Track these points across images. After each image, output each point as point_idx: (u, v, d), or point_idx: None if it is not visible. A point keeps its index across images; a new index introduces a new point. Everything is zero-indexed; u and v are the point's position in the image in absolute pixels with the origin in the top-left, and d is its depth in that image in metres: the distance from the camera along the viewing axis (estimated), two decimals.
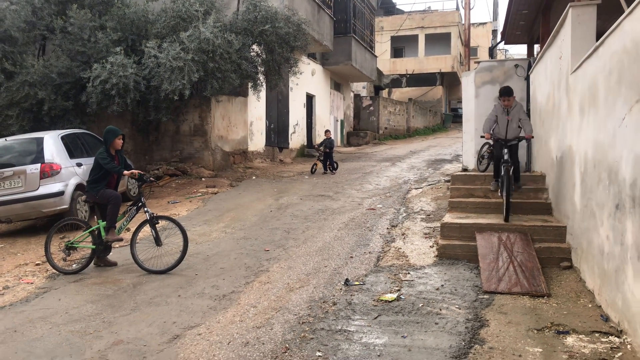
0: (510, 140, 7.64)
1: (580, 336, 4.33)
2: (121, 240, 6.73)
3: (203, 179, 13.52)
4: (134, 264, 6.60)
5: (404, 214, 9.43)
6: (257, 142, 17.49)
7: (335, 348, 4.27)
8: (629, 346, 4.00)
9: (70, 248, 6.66)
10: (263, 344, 4.37)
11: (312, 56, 22.18)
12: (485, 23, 43.07)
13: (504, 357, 4.00)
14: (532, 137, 7.70)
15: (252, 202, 10.80)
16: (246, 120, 16.54)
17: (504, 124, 7.66)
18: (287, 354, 4.18)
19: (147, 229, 6.77)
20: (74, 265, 6.82)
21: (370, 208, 9.99)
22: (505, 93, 7.74)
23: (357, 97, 30.87)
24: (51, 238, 6.68)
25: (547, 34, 9.52)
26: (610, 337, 4.25)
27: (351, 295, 5.47)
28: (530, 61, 11.50)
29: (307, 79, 21.06)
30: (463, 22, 33.22)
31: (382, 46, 38.45)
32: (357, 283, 5.84)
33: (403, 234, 8.02)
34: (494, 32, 19.58)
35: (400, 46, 41.90)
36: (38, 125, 12.83)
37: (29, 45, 13.93)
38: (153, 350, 4.30)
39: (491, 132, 7.74)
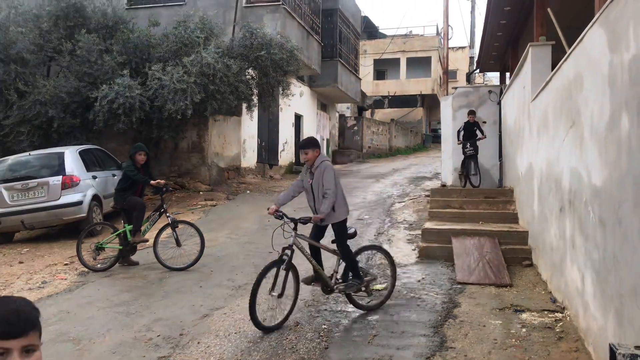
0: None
1: (532, 313, 5.42)
2: (146, 241, 7.68)
3: (201, 192, 14.46)
4: (154, 263, 7.55)
5: (389, 224, 10.50)
6: (250, 158, 18.50)
7: (337, 322, 5.29)
8: (568, 317, 5.10)
9: (99, 248, 7.58)
10: (278, 320, 5.36)
11: (300, 78, 23.35)
12: (464, 47, 44.80)
13: (472, 326, 5.07)
14: (321, 219, 5.24)
15: (250, 213, 11.78)
16: (240, 138, 17.56)
17: (309, 193, 5.43)
18: (298, 326, 5.19)
19: (167, 232, 7.73)
20: (99, 265, 7.71)
21: (359, 218, 11.04)
22: (302, 146, 5.42)
23: (342, 117, 32.11)
24: (82, 240, 7.60)
25: (516, 64, 10.77)
26: (555, 313, 5.35)
27: None
28: (502, 88, 12.79)
29: (296, 100, 22.16)
30: (443, 46, 34.94)
31: (366, 69, 39.86)
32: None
33: (389, 240, 9.08)
34: (471, 58, 21.01)
35: (383, 69, 43.49)
36: (47, 141, 13.67)
37: (38, 67, 14.83)
38: (189, 324, 5.27)
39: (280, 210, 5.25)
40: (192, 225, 7.59)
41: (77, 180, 9.72)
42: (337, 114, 31.08)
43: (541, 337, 4.77)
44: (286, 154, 22.15)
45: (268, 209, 5.33)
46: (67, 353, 4.64)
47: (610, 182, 3.69)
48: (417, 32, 47.91)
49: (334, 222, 5.42)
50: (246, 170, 18.14)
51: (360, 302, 5.69)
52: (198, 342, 4.81)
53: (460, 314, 5.42)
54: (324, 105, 27.88)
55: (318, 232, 5.56)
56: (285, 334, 4.97)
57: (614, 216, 3.59)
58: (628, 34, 3.26)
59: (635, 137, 3.18)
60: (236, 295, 6.17)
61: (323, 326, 5.19)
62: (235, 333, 5.02)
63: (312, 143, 5.45)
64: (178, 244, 7.50)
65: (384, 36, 46.41)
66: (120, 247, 7.55)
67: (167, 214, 7.58)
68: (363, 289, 5.66)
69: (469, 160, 11.61)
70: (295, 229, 5.26)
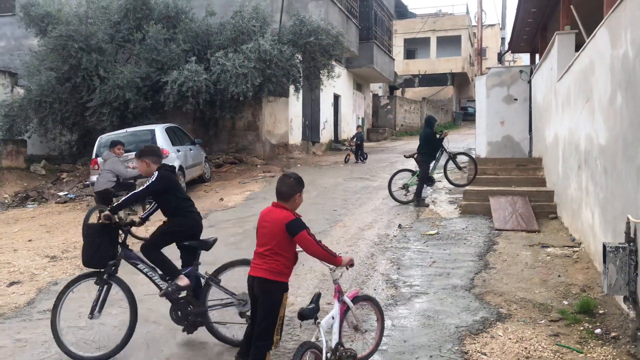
0: None
1: (555, 248, 6.96)
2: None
3: (257, 166, 16.19)
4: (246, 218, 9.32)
5: (431, 190, 12.04)
6: (296, 136, 20.14)
7: (403, 254, 6.94)
8: (583, 249, 6.62)
9: (406, 187, 10.51)
10: (356, 253, 7.03)
11: (337, 60, 24.79)
12: (493, 25, 45.43)
13: (508, 256, 6.65)
14: None
15: (307, 183, 13.41)
16: (287, 117, 19.19)
17: None
18: (373, 256, 6.84)
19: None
20: (405, 199, 10.48)
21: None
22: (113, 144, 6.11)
23: (376, 97, 33.47)
24: (392, 181, 10.60)
25: (545, 47, 12.07)
26: (573, 248, 6.87)
27: (405, 232, 8.12)
28: (532, 68, 14.07)
29: (334, 81, 23.67)
30: (473, 24, 35.60)
31: (396, 48, 40.91)
32: (407, 226, 8.49)
33: (433, 201, 10.65)
34: (503, 39, 22.10)
35: (413, 48, 44.43)
36: (123, 121, 15.51)
37: (113, 55, 16.65)
38: None
39: None
40: (468, 155, 11.12)
41: (167, 153, 11.45)
42: (370, 94, 32.44)
43: (561, 261, 6.32)
44: (326, 132, 23.73)
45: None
46: None
47: (610, 141, 5.17)
48: (446, 11, 48.59)
49: None
50: (293, 147, 19.80)
51: None
52: None
53: (498, 249, 6.99)
54: (359, 85, 29.27)
55: None
56: (364, 260, 6.63)
57: (612, 164, 5.09)
58: (621, 37, 4.72)
59: (625, 108, 4.66)
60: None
61: (393, 256, 6.84)
62: None
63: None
64: (459, 168, 11.24)
65: (413, 15, 47.20)
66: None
67: (448, 150, 10.70)
68: None
69: None
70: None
